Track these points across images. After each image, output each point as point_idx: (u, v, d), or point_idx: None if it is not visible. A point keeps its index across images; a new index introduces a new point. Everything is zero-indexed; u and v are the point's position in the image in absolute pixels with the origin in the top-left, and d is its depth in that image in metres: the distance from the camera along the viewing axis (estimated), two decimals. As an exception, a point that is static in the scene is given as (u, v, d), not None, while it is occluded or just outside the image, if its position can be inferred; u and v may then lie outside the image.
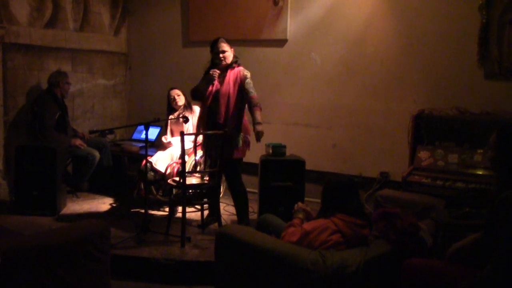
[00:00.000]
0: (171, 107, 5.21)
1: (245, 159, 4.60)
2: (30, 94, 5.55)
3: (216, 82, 4.31)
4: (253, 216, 4.82)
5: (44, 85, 5.56)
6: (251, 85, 4.30)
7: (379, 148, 5.20)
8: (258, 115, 4.22)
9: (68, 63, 6.05)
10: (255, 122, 4.20)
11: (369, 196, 4.91)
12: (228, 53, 4.34)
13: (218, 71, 4.30)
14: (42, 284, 2.59)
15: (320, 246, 2.76)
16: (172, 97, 5.18)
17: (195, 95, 4.49)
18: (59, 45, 5.89)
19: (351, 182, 3.09)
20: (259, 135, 4.17)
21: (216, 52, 4.34)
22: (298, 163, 4.47)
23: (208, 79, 4.31)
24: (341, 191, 2.98)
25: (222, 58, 4.31)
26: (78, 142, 5.47)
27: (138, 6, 6.76)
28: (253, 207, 5.03)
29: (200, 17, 6.24)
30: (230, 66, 4.35)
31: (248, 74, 4.35)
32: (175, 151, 4.98)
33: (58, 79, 5.41)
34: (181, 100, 5.17)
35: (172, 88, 5.26)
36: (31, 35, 5.54)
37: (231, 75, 4.33)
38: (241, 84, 4.30)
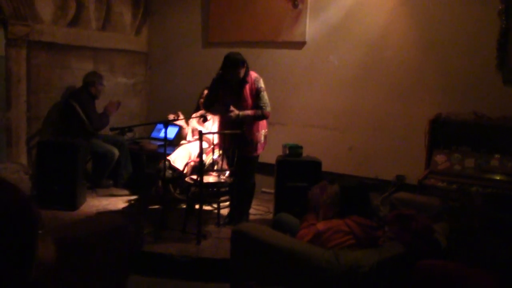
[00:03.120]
0: (198, 105, 5.26)
1: (261, 159, 4.66)
2: (53, 91, 5.68)
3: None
4: (269, 216, 4.87)
5: (66, 83, 5.72)
6: (265, 99, 4.34)
7: (396, 151, 5.22)
8: (250, 112, 4.27)
9: (90, 62, 6.16)
10: (240, 111, 4.27)
11: (385, 199, 4.93)
12: (240, 74, 4.29)
13: (210, 116, 4.54)
14: (61, 277, 2.66)
15: (333, 247, 2.80)
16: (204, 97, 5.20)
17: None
18: (81, 43, 6.00)
19: (362, 185, 3.11)
20: (227, 112, 4.24)
21: (225, 73, 4.31)
22: (314, 164, 4.51)
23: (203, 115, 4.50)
24: (352, 195, 3.02)
25: (231, 80, 4.31)
26: (112, 107, 5.76)
27: (160, 6, 6.85)
28: (269, 207, 5.09)
29: (219, 19, 6.30)
30: (243, 81, 4.34)
31: (261, 83, 4.36)
32: (193, 150, 5.05)
33: (94, 79, 5.62)
34: None
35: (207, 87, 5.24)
36: (55, 34, 5.66)
37: (247, 88, 4.35)
38: (256, 94, 4.33)
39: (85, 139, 5.34)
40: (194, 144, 5.12)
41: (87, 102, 5.53)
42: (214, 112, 4.52)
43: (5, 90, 5.31)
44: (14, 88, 5.33)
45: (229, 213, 4.67)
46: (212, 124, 5.05)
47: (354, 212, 2.92)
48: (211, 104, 4.50)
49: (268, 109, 4.34)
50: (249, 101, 4.33)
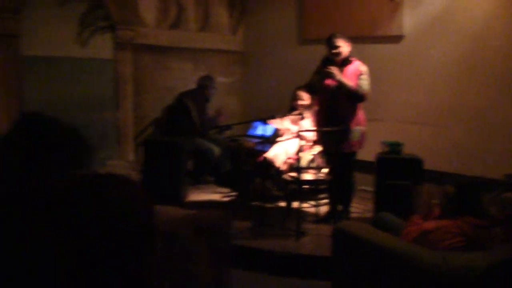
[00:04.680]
0: (292, 106, 5.29)
1: (359, 157, 4.60)
2: (157, 91, 5.99)
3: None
4: (367, 214, 4.80)
5: (168, 83, 6.01)
6: (365, 81, 4.32)
7: (504, 148, 4.92)
8: (350, 84, 4.25)
9: (190, 62, 6.41)
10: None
11: (493, 199, 4.67)
12: (343, 48, 4.35)
13: (333, 67, 4.33)
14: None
15: (441, 249, 2.71)
16: (298, 98, 5.23)
17: (310, 89, 4.61)
18: (182, 45, 6.26)
19: (474, 184, 2.98)
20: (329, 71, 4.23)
21: (329, 46, 4.39)
22: (415, 162, 4.38)
23: (323, 74, 4.35)
24: (464, 195, 2.90)
25: (335, 53, 4.35)
26: (221, 117, 6.02)
27: (255, 5, 6.95)
28: (368, 206, 5.00)
29: (315, 15, 6.29)
30: (346, 62, 4.37)
31: (364, 69, 4.36)
32: (290, 147, 5.08)
33: (206, 83, 5.85)
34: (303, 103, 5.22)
35: (300, 88, 5.28)
36: (158, 36, 5.96)
37: (349, 70, 4.35)
38: (358, 75, 4.33)
39: (190, 138, 5.56)
40: (291, 141, 5.15)
41: (201, 104, 5.77)
42: (316, 83, 4.49)
43: (114, 92, 5.68)
44: (122, 90, 5.69)
45: (328, 211, 4.66)
46: (310, 122, 5.05)
47: (466, 213, 2.80)
48: (314, 89, 4.54)
49: (366, 91, 4.29)
50: (351, 83, 4.31)
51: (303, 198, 4.64)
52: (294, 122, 5.19)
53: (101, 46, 5.63)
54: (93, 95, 5.60)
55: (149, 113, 5.93)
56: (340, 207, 4.59)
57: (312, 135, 4.80)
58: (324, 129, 4.37)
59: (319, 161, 4.65)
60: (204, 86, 5.88)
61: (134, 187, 1.10)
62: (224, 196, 5.53)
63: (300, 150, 4.23)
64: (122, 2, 5.60)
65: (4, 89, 4.87)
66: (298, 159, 4.25)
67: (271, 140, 5.75)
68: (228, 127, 6.17)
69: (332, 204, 4.58)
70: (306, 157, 4.95)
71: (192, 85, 6.19)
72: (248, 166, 5.79)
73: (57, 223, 0.99)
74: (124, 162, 5.59)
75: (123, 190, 1.07)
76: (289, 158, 4.94)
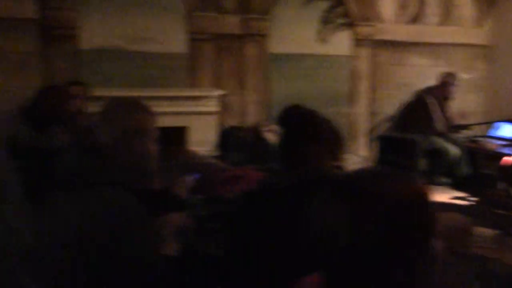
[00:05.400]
0: None
1: None
2: (391, 87, 5.93)
3: None
4: None
5: (403, 79, 5.95)
6: None
7: None
8: None
9: (427, 57, 6.20)
10: None
11: None
12: None
13: None
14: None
15: None
16: None
17: None
18: (419, 40, 6.11)
19: None
20: None
21: None
22: None
23: None
24: None
25: None
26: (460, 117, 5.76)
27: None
28: None
29: None
30: None
31: None
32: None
33: (447, 80, 5.65)
34: None
35: None
36: (396, 32, 5.94)
37: None
38: None
39: (426, 136, 5.36)
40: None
41: (441, 102, 5.55)
42: None
43: (349, 87, 5.80)
44: (357, 85, 5.81)
45: None
46: None
47: None
48: None
49: None
50: None
51: None
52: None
53: (340, 43, 5.82)
54: (330, 90, 5.81)
55: (383, 109, 5.90)
56: None
57: None
58: None
59: None
60: (445, 83, 5.59)
61: (418, 186, 1.07)
62: (462, 200, 5.17)
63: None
64: (362, -1, 5.71)
65: (254, 84, 5.42)
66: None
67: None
68: (466, 126, 5.79)
69: None
70: None
71: (429, 81, 5.94)
72: (489, 170, 5.35)
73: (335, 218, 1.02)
74: (356, 156, 5.66)
75: (409, 188, 1.05)
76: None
